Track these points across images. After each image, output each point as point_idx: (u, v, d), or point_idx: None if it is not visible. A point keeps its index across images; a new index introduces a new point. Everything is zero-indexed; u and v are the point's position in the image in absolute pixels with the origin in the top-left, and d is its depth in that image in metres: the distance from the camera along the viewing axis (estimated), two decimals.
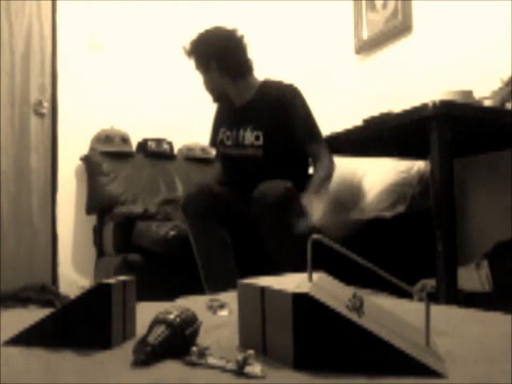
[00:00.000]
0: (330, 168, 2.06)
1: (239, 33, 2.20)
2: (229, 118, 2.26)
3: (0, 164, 3.12)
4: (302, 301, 0.68)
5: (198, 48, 2.19)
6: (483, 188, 2.57)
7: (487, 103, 2.10)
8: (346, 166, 2.08)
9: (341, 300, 0.72)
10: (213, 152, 3.66)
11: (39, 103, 3.28)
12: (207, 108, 3.73)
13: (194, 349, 0.72)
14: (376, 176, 2.74)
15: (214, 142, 2.35)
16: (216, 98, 2.26)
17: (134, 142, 3.42)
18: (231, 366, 0.68)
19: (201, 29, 2.24)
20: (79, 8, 3.42)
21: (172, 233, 2.55)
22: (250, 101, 2.19)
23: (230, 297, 1.17)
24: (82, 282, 3.18)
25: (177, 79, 3.65)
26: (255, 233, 1.94)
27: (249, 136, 2.14)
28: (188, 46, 2.22)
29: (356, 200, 1.89)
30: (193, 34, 2.25)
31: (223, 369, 0.68)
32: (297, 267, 0.97)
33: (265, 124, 2.11)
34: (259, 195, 1.88)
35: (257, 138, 2.12)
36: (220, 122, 2.31)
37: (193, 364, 0.71)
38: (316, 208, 1.82)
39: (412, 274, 2.09)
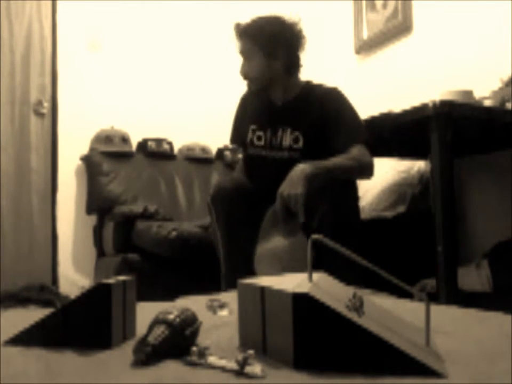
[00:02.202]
0: (359, 163, 1.85)
1: (300, 26, 2.05)
2: (262, 116, 2.06)
3: (0, 164, 3.12)
4: (302, 301, 0.68)
5: (269, 31, 1.96)
6: (483, 188, 2.57)
7: (487, 103, 2.10)
8: None
9: (341, 300, 0.72)
10: (213, 152, 3.67)
11: (39, 103, 3.28)
12: (207, 108, 3.74)
13: (194, 349, 0.72)
14: (376, 176, 2.74)
15: (235, 139, 2.19)
16: (259, 88, 2.02)
17: (134, 142, 3.42)
18: (231, 366, 0.68)
19: (258, 15, 2.05)
20: (79, 8, 3.42)
21: (174, 234, 2.55)
22: (292, 100, 2.02)
23: (230, 297, 1.17)
24: (82, 282, 3.18)
25: (177, 79, 3.66)
26: None
27: (287, 138, 1.97)
28: (249, 25, 1.99)
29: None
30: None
31: (223, 369, 0.68)
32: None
33: (306, 126, 1.96)
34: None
35: (296, 140, 1.96)
36: (247, 119, 2.11)
37: (193, 364, 0.71)
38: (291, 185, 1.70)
39: (412, 274, 2.09)
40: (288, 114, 2.00)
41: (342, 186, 1.85)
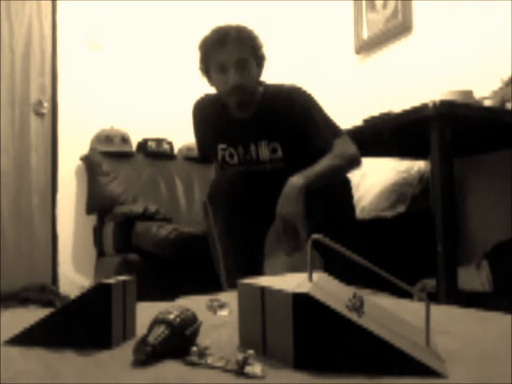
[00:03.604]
0: (346, 159, 1.83)
1: None
2: (229, 132, 1.94)
3: (0, 164, 3.12)
4: (302, 301, 0.68)
5: (259, 42, 1.91)
6: (483, 188, 2.57)
7: (487, 103, 2.10)
8: None
9: (341, 300, 0.72)
10: None
11: (39, 103, 3.28)
12: None
13: (194, 349, 0.72)
14: (376, 176, 2.74)
15: (204, 150, 2.11)
16: (248, 100, 1.88)
17: (134, 142, 3.42)
18: (231, 366, 0.68)
19: (217, 24, 1.97)
20: (79, 8, 3.42)
21: (174, 234, 2.55)
22: (259, 111, 1.90)
23: (230, 297, 1.17)
24: (82, 282, 3.18)
25: (178, 79, 3.65)
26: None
27: (265, 151, 1.90)
28: (240, 32, 1.87)
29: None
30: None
31: (223, 369, 0.68)
32: None
33: (281, 134, 1.88)
34: None
35: (274, 151, 1.90)
36: (212, 134, 2.00)
37: (193, 364, 0.70)
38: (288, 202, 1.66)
39: (412, 274, 2.09)
40: (259, 127, 1.90)
41: (335, 187, 1.85)
